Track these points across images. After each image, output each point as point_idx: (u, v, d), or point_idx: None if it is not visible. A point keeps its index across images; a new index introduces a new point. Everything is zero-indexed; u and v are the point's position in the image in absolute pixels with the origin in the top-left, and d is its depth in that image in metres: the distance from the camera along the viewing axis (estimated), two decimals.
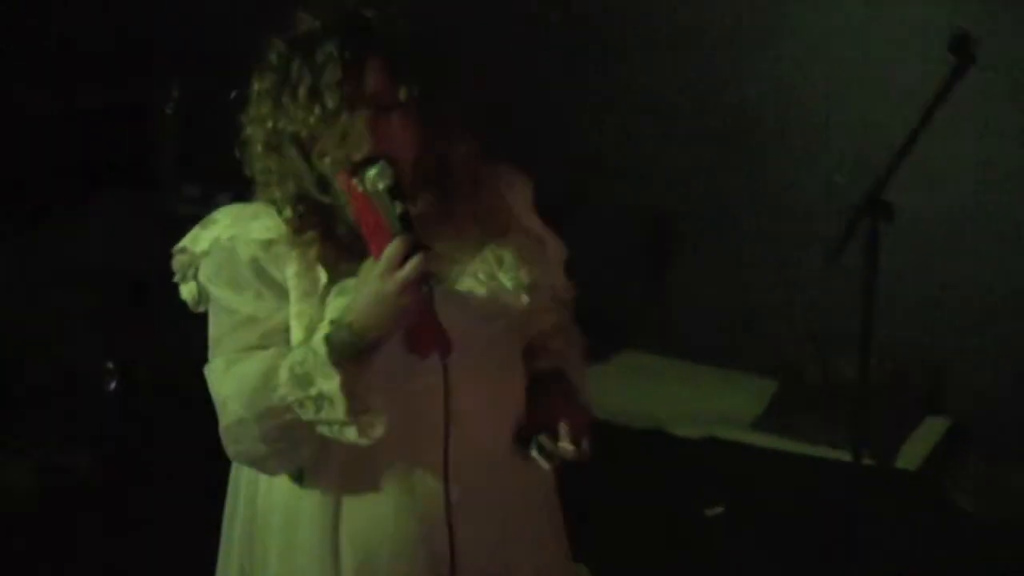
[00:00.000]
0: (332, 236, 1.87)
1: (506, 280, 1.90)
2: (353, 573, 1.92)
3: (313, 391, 1.76)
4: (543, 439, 1.93)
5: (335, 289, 1.84)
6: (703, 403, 4.51)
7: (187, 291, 1.97)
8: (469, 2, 4.69)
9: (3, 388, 4.39)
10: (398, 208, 1.76)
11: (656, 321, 4.56)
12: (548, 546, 2.12)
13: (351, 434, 1.78)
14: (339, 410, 1.76)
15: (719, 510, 3.89)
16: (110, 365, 4.49)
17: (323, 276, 1.84)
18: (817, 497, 3.81)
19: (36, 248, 4.70)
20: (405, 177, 1.81)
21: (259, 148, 1.87)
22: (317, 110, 1.78)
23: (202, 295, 1.95)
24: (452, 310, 1.83)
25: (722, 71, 4.56)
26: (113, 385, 4.51)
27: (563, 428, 1.92)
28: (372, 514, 1.91)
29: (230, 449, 1.89)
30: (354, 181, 1.80)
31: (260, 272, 1.86)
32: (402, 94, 1.81)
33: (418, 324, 1.79)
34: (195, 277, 1.95)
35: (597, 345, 4.38)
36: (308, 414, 1.78)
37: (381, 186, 1.77)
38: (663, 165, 4.69)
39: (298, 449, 1.86)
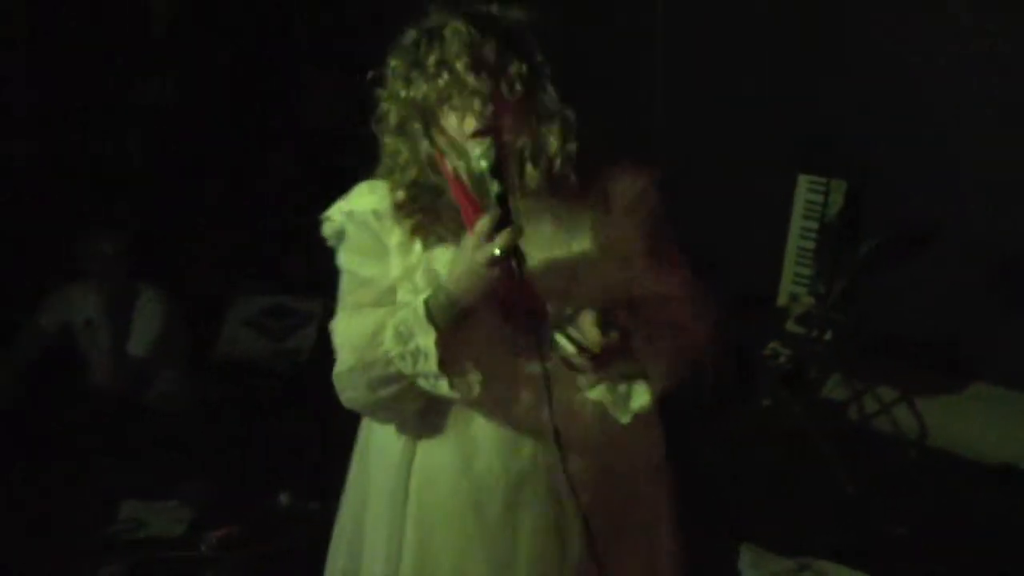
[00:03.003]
0: (434, 214, 2.04)
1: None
2: (415, 521, 2.08)
3: (411, 345, 1.95)
4: (567, 328, 1.95)
5: (424, 259, 2.02)
6: None
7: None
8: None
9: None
10: (495, 187, 1.90)
11: (1011, 354, 4.36)
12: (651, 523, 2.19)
13: (443, 387, 1.95)
14: (432, 363, 1.94)
15: None
16: None
17: (418, 248, 2.03)
18: None
19: None
20: (507, 158, 1.97)
21: (391, 123, 2.02)
22: (445, 75, 1.94)
23: None
24: (548, 287, 1.96)
25: None
26: None
27: (587, 315, 1.94)
28: (439, 466, 2.07)
29: (342, 396, 2.07)
30: (448, 163, 1.98)
31: (374, 235, 2.06)
32: (514, 70, 1.95)
33: (509, 294, 1.93)
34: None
35: (947, 377, 4.27)
36: (407, 367, 1.96)
37: (484, 164, 1.92)
38: (1016, 196, 4.51)
39: (402, 402, 2.03)
